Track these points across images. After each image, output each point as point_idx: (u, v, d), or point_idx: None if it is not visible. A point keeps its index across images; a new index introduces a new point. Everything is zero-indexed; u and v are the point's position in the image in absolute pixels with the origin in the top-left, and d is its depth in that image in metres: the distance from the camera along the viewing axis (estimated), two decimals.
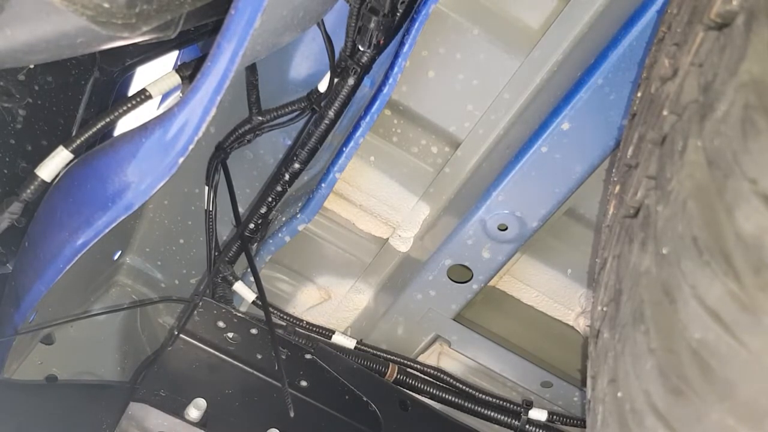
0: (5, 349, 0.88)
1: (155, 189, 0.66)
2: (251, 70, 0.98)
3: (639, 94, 0.71)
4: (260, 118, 0.99)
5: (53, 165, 0.81)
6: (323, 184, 1.02)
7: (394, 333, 1.20)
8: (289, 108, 0.98)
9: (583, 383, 1.19)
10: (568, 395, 1.21)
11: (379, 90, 0.93)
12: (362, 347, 1.19)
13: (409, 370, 1.19)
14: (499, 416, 1.17)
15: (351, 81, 0.91)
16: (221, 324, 1.06)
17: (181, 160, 0.65)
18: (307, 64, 1.02)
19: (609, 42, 0.87)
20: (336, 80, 0.93)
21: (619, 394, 0.55)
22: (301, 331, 1.17)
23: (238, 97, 1.00)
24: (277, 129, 1.02)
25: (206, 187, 1.02)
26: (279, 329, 1.11)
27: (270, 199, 1.04)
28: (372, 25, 0.83)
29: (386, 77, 0.92)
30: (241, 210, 1.13)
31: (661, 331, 0.48)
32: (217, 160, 1.01)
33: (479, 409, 1.17)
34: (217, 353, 1.06)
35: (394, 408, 1.11)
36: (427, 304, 1.14)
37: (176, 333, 0.99)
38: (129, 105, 0.83)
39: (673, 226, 0.47)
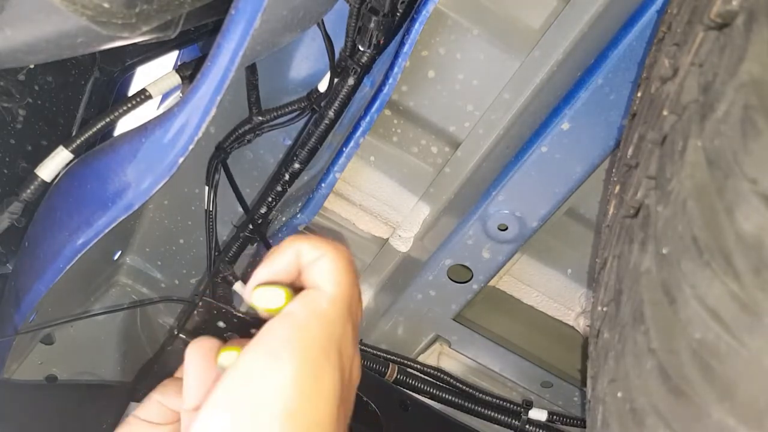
0: (5, 349, 0.88)
1: (155, 189, 0.66)
2: (251, 70, 0.98)
3: (639, 94, 0.71)
4: (260, 118, 0.98)
5: (53, 165, 0.81)
6: (323, 184, 1.02)
7: (394, 333, 1.20)
8: (289, 108, 0.98)
9: (583, 383, 1.19)
10: (568, 395, 1.21)
11: (379, 90, 0.93)
12: (362, 347, 1.19)
13: (409, 370, 1.19)
14: (499, 416, 1.17)
15: (351, 81, 0.90)
16: (221, 324, 1.06)
17: (181, 160, 0.65)
18: (307, 64, 1.02)
19: (609, 42, 0.87)
20: (336, 80, 0.93)
21: (619, 394, 0.55)
22: None
23: (238, 97, 1.00)
24: (277, 129, 1.02)
25: (206, 187, 1.02)
26: None
27: (270, 199, 1.04)
28: (372, 25, 0.83)
29: (386, 77, 0.92)
30: (241, 210, 1.13)
31: (661, 331, 0.48)
32: (217, 160, 1.01)
33: (479, 409, 1.17)
34: None
35: (394, 408, 1.11)
36: (427, 304, 1.14)
37: (176, 333, 0.99)
38: (129, 105, 0.83)
39: (673, 226, 0.47)
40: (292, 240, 0.54)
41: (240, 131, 1.01)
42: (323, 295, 0.51)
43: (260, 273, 0.54)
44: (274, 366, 0.46)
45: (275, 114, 0.99)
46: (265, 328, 0.48)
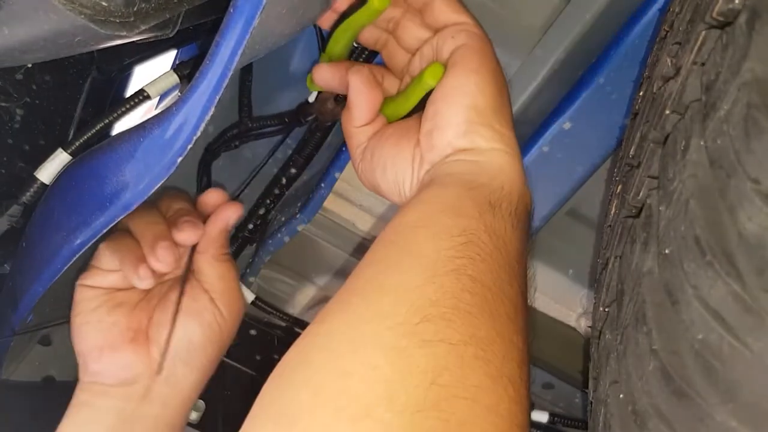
0: (3, 350, 0.88)
1: (153, 189, 0.66)
2: (246, 70, 0.97)
3: (641, 93, 0.71)
4: (249, 123, 0.98)
5: (52, 167, 0.80)
6: (323, 184, 1.02)
7: None
8: (277, 120, 0.98)
9: (585, 385, 1.18)
10: (569, 397, 1.20)
11: None
12: None
13: None
14: None
15: None
16: None
17: (179, 159, 0.64)
18: (307, 64, 1.01)
19: (611, 41, 0.87)
20: None
21: (621, 396, 0.54)
22: (300, 331, 1.16)
23: (237, 97, 0.99)
24: (265, 138, 1.02)
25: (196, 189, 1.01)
26: (278, 329, 1.11)
27: (268, 201, 1.04)
28: None
29: None
30: None
31: (663, 332, 0.47)
32: (204, 162, 1.00)
33: None
34: None
35: None
36: None
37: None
38: (128, 106, 0.82)
39: (675, 226, 0.46)
40: None
41: (228, 135, 1.00)
42: (474, 24, 0.74)
43: None
44: (477, 78, 0.67)
45: (263, 123, 0.98)
46: (458, 56, 0.68)
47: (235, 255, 1.09)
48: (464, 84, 0.66)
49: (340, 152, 0.99)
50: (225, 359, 1.06)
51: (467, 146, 0.66)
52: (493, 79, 0.68)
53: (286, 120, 0.97)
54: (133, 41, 0.60)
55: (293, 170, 1.00)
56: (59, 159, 0.80)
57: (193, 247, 0.83)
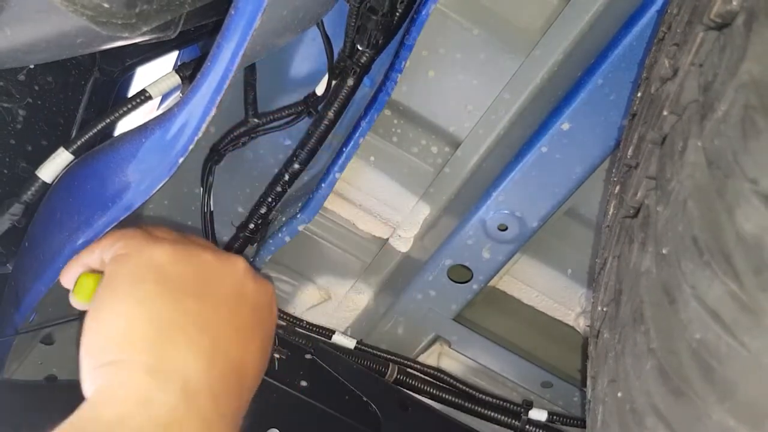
0: (5, 349, 0.88)
1: (155, 189, 0.66)
2: (250, 70, 0.98)
3: (639, 94, 0.71)
4: (256, 120, 0.98)
5: (54, 166, 0.80)
6: (323, 184, 1.02)
7: (394, 333, 1.20)
8: (286, 112, 0.98)
9: (584, 383, 1.19)
10: (568, 395, 1.21)
11: (380, 90, 0.93)
12: (362, 347, 1.19)
13: (409, 370, 1.19)
14: (499, 416, 1.17)
15: (350, 82, 0.90)
16: None
17: (181, 160, 0.64)
18: (307, 65, 1.02)
19: (609, 42, 0.87)
20: (335, 82, 0.93)
21: (619, 395, 0.55)
22: (301, 331, 1.17)
23: (238, 97, 1.00)
24: (274, 132, 1.02)
25: (201, 188, 1.01)
26: (279, 329, 1.11)
27: (270, 200, 1.04)
28: (371, 24, 0.83)
29: (386, 77, 0.92)
30: (241, 210, 1.13)
31: (661, 331, 0.48)
32: (211, 162, 1.00)
33: (479, 409, 1.17)
34: None
35: (394, 408, 1.11)
36: (427, 304, 1.14)
37: None
38: (129, 106, 0.82)
39: (673, 226, 0.47)
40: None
41: (235, 133, 1.00)
42: (114, 256, 0.68)
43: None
44: (114, 301, 0.64)
45: (271, 117, 0.98)
46: (103, 283, 0.66)
47: (236, 254, 1.09)
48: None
49: (341, 153, 0.99)
50: None
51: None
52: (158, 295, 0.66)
53: (301, 108, 0.97)
54: (136, 42, 0.60)
55: (297, 165, 1.00)
56: (61, 158, 0.80)
57: None
